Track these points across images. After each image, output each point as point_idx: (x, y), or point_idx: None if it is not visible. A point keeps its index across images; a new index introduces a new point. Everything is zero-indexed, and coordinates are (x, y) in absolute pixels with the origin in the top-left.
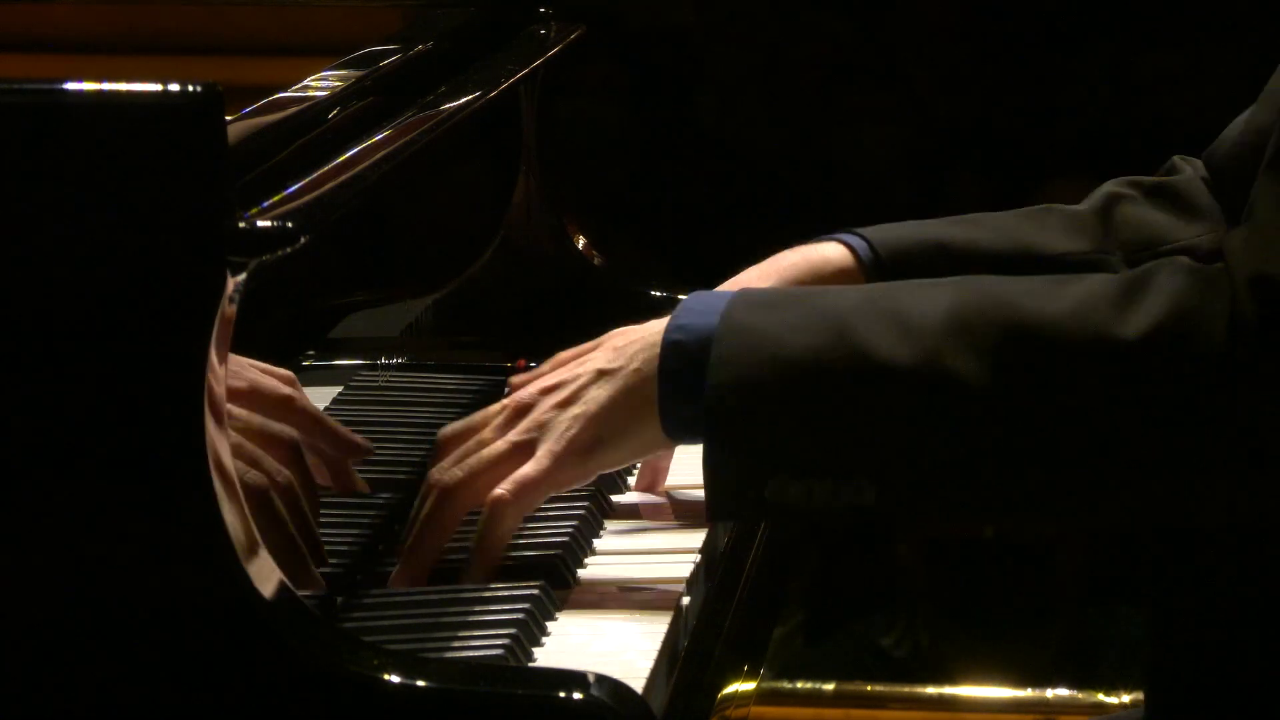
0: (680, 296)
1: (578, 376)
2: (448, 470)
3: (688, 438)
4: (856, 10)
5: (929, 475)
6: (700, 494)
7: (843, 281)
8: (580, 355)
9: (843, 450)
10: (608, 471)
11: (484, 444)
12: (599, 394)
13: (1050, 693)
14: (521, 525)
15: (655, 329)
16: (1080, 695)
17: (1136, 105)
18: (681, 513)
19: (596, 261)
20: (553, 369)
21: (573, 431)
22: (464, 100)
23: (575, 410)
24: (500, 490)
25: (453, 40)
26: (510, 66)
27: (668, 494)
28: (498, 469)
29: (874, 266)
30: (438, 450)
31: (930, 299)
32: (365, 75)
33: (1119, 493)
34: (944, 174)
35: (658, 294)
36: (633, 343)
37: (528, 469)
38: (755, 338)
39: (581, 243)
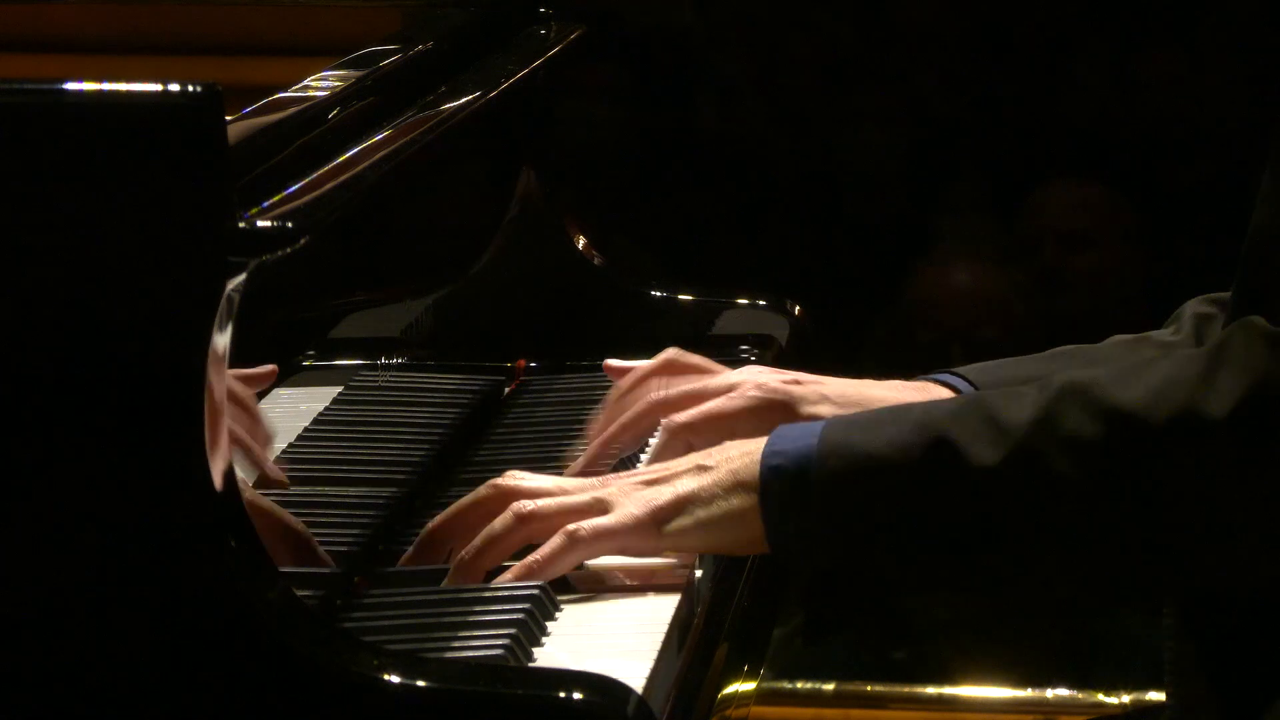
0: (681, 297)
1: (670, 466)
2: (529, 502)
3: (788, 553)
4: (856, 10)
5: (1035, 569)
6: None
7: None
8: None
9: (955, 559)
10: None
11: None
12: (691, 481)
13: (1050, 693)
14: None
15: (751, 445)
16: (1080, 695)
17: (1136, 105)
18: None
19: (596, 261)
20: None
21: (658, 502)
22: (464, 100)
23: (664, 487)
24: (579, 526)
25: (453, 40)
26: (510, 66)
27: None
28: (574, 516)
29: None
30: (490, 490)
31: (1019, 399)
32: (365, 75)
33: (1224, 562)
34: (944, 174)
35: (658, 294)
36: (729, 450)
37: (606, 519)
38: (858, 458)
39: (581, 243)
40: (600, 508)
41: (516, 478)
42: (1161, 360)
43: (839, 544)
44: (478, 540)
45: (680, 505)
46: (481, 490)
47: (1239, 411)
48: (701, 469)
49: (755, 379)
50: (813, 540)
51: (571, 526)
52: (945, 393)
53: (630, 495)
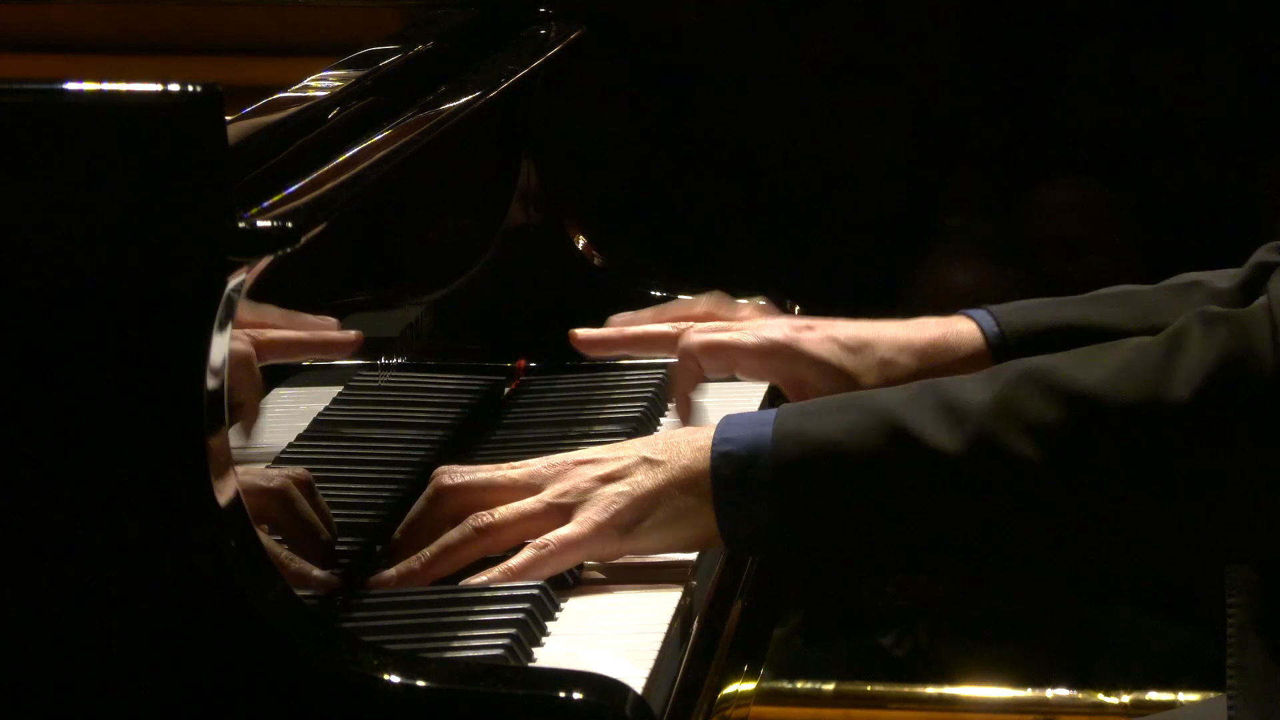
0: (681, 297)
1: (620, 458)
2: (487, 515)
3: (740, 543)
4: (857, 10)
5: (999, 551)
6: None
7: (974, 364)
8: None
9: (915, 544)
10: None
11: (505, 490)
12: (645, 479)
13: (1050, 693)
14: None
15: (700, 434)
16: (1080, 695)
17: (1136, 105)
18: None
19: (596, 261)
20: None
21: (617, 506)
22: (464, 100)
23: (620, 488)
24: (545, 540)
25: (453, 40)
26: (510, 66)
27: None
28: (531, 524)
29: (1000, 347)
30: (437, 492)
31: (973, 384)
32: (365, 75)
33: (1190, 537)
34: (944, 174)
35: (657, 294)
36: (678, 443)
37: (570, 530)
38: (814, 445)
39: (581, 243)
40: (559, 513)
41: (461, 473)
42: (1115, 348)
43: (796, 530)
44: (433, 549)
45: (639, 507)
46: (430, 492)
47: (1202, 392)
48: (652, 464)
49: (773, 323)
50: (767, 528)
51: (540, 541)
52: (971, 326)
53: (588, 498)
